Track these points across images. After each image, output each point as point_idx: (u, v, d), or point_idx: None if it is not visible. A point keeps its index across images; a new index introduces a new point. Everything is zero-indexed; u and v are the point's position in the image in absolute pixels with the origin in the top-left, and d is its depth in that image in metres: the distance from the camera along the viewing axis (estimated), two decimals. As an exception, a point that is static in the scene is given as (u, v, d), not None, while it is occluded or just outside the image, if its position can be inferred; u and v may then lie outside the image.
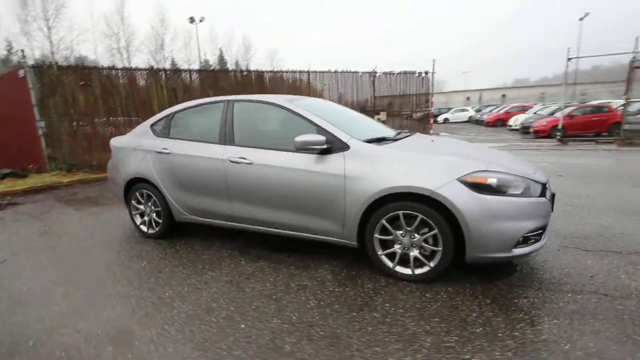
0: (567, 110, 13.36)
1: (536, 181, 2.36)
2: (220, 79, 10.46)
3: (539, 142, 12.33)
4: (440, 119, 26.80)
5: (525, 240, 2.28)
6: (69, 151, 8.07)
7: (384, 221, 2.43)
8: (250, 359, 1.74)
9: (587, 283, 2.31)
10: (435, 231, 2.30)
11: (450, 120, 27.67)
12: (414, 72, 12.78)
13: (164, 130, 3.50)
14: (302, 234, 2.84)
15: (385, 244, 2.52)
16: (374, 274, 2.59)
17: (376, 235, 2.49)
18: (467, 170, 2.27)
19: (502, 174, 2.27)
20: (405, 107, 12.91)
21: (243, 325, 2.03)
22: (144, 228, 3.64)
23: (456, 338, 1.82)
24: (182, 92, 9.78)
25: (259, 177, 2.84)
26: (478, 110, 27.73)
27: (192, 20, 27.17)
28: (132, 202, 3.64)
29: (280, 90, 11.26)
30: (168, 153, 3.31)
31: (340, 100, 12.15)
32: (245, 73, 10.81)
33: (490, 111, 23.71)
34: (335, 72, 11.95)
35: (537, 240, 2.35)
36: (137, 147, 3.56)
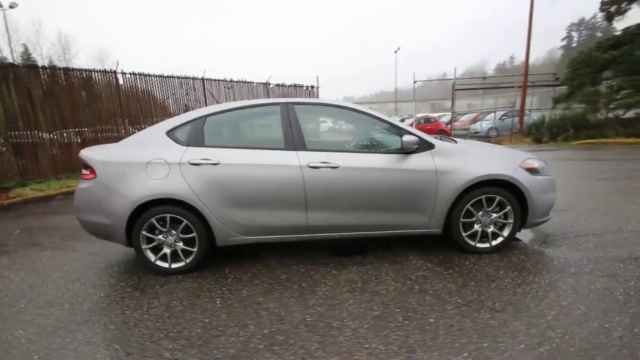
0: (411, 121, 17.19)
1: (546, 163, 3.31)
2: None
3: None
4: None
5: (549, 207, 3.18)
6: None
7: (469, 206, 2.88)
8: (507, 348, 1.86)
9: (575, 231, 3.41)
10: (508, 207, 2.91)
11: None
12: (302, 85, 13.69)
13: (195, 137, 2.84)
14: (386, 232, 2.94)
15: (463, 226, 2.96)
16: (457, 254, 2.98)
17: (462, 220, 2.91)
18: (522, 158, 3.00)
19: (538, 160, 3.10)
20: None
21: (432, 320, 2.07)
22: (162, 264, 2.83)
23: (571, 279, 2.45)
24: (44, 95, 7.42)
25: (346, 180, 2.78)
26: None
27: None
28: (143, 232, 2.76)
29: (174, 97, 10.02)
30: (215, 164, 2.73)
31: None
32: (128, 75, 9.03)
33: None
34: (231, 81, 11.52)
35: (551, 207, 3.31)
36: (154, 160, 2.75)
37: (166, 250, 2.83)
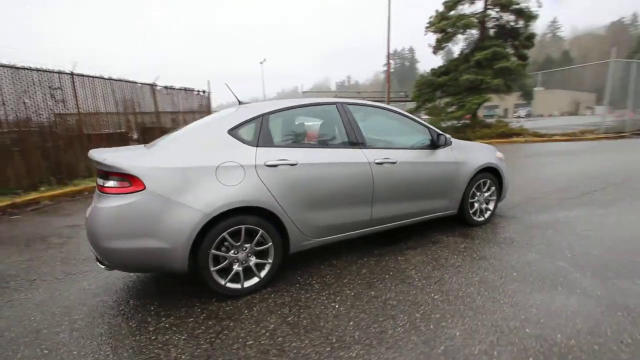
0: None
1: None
2: None
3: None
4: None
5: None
6: None
7: (474, 189, 3.65)
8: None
9: (513, 202, 4.68)
10: (494, 188, 3.83)
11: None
12: (193, 90, 12.54)
13: (262, 137, 2.54)
14: (424, 217, 3.37)
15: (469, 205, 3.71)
16: (464, 228, 3.70)
17: (470, 200, 3.65)
18: (494, 150, 3.99)
19: (499, 151, 4.17)
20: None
21: (515, 274, 2.62)
22: (234, 285, 2.43)
23: (551, 230, 3.49)
24: None
25: (402, 174, 3.06)
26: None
27: None
28: (212, 251, 2.30)
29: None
30: (293, 164, 2.53)
31: (127, 115, 9.87)
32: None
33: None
34: (110, 79, 9.54)
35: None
36: (225, 163, 2.33)
37: (237, 268, 2.43)
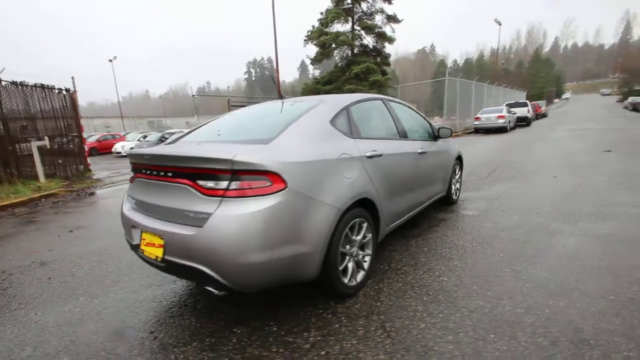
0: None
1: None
2: None
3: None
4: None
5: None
6: None
7: (452, 173, 4.44)
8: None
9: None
10: (460, 172, 4.74)
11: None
12: (53, 87, 9.75)
13: (350, 128, 2.49)
14: (432, 199, 3.89)
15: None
16: (448, 206, 4.45)
17: (452, 181, 4.42)
18: (456, 145, 4.93)
19: (452, 143, 5.14)
20: (52, 131, 9.58)
21: (513, 228, 3.43)
22: (351, 282, 2.34)
23: (504, 206, 4.61)
24: None
25: (428, 161, 3.50)
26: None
27: None
28: (341, 249, 2.18)
29: None
30: (380, 156, 2.59)
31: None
32: None
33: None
34: None
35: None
36: (342, 155, 2.21)
37: (351, 264, 2.34)
